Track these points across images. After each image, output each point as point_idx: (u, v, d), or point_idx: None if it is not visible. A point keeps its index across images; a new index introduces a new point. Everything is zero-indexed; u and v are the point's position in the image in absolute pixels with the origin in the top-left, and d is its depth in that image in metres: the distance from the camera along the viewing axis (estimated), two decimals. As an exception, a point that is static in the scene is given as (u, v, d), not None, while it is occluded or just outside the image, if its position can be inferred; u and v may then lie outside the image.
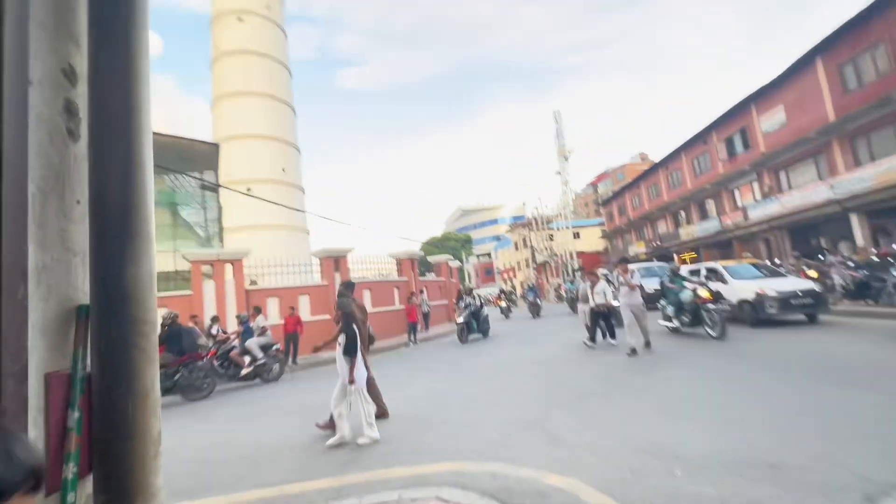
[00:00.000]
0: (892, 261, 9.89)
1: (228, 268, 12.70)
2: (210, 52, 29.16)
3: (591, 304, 9.04)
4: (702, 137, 24.38)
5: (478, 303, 13.52)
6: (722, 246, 23.39)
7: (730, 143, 22.38)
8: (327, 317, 13.86)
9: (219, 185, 19.08)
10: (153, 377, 0.84)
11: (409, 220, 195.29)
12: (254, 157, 26.49)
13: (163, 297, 12.06)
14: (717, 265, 11.03)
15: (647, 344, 7.73)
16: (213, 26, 28.82)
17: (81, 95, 0.89)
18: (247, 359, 9.28)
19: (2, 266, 0.66)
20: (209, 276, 12.57)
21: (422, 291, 17.94)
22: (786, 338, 7.66)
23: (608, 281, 9.94)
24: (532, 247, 42.93)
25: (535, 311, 19.24)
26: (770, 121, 19.37)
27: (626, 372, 6.44)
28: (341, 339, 4.58)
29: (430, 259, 23.94)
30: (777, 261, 15.12)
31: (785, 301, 8.77)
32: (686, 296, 8.64)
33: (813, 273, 11.00)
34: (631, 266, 9.25)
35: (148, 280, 0.85)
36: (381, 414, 5.07)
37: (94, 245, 0.82)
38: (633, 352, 7.40)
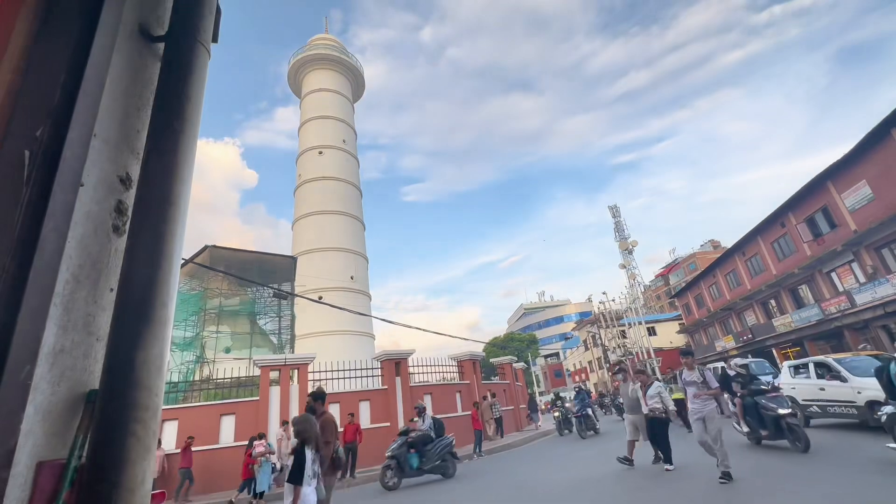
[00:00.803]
0: None
1: (294, 373, 12.99)
2: (294, 180, 33.88)
3: (645, 409, 7.30)
4: (778, 219, 22.86)
5: (426, 425, 9.62)
6: (830, 337, 20.26)
7: (812, 223, 20.68)
8: (388, 424, 13.32)
9: (294, 294, 20.54)
10: (146, 470, 0.79)
11: (471, 322, 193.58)
12: (326, 268, 28.66)
13: (232, 403, 12.42)
14: (828, 359, 9.42)
15: (726, 474, 5.60)
16: (299, 160, 33.86)
17: (133, 197, 1.01)
18: None
19: (11, 345, 0.69)
20: (277, 382, 12.88)
21: (493, 395, 16.97)
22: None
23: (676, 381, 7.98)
24: (603, 345, 40.02)
25: (587, 426, 13.82)
26: (854, 196, 17.88)
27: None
28: (289, 461, 3.95)
29: (494, 361, 22.97)
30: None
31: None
32: None
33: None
34: (714, 365, 8.15)
35: (157, 363, 0.85)
36: None
37: (112, 329, 0.85)
38: (727, 476, 5.57)
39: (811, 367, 9.71)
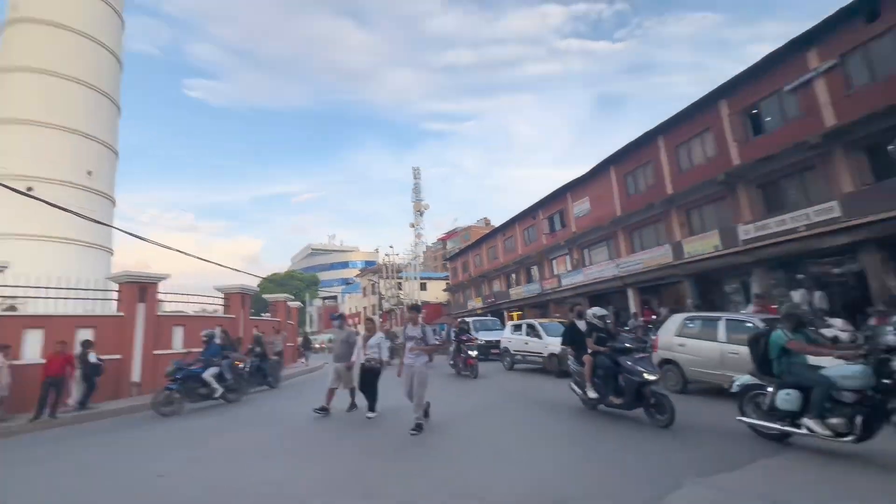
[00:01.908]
0: (651, 326, 12.77)
1: (-33, 284, 9.35)
2: (6, 9, 23.11)
3: (362, 358, 7.06)
4: (531, 213, 28.72)
5: None
6: (541, 306, 27.14)
7: (551, 221, 26.84)
8: (119, 356, 11.18)
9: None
10: None
11: (250, 253, 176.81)
12: (48, 151, 21.11)
13: None
14: (535, 322, 12.65)
15: (418, 426, 5.65)
16: (17, -17, 23.10)
17: None
18: None
19: None
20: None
21: (279, 331, 17.15)
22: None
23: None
24: (380, 293, 43.00)
25: (203, 392, 9.08)
26: (580, 207, 24.00)
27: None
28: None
29: (268, 297, 21.84)
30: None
31: (582, 355, 10.41)
32: (852, 375, 3.94)
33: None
34: (477, 318, 7.79)
35: None
36: None
37: None
38: (418, 428, 5.65)
39: (524, 326, 12.85)
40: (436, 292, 47.51)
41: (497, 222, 44.57)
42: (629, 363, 5.68)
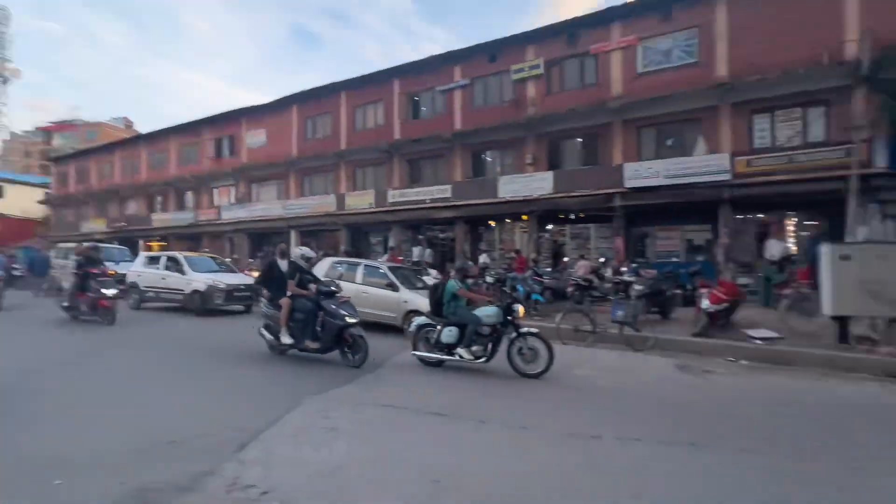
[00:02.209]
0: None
1: None
2: None
3: None
4: (194, 129, 24.32)
5: None
6: (192, 238, 23.83)
7: (219, 145, 23.66)
8: None
9: None
10: None
11: None
12: None
13: None
14: (179, 255, 11.02)
15: None
16: None
17: None
18: None
19: None
20: None
21: None
22: (229, 324, 8.62)
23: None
24: None
25: None
26: (254, 138, 22.24)
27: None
28: None
29: None
30: (230, 259, 17.08)
31: (230, 293, 9.94)
32: (492, 314, 5.25)
33: (255, 272, 13.14)
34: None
35: None
36: None
37: None
38: None
39: (163, 259, 10.96)
40: (24, 203, 33.30)
41: (144, 129, 35.25)
42: (333, 306, 5.53)
